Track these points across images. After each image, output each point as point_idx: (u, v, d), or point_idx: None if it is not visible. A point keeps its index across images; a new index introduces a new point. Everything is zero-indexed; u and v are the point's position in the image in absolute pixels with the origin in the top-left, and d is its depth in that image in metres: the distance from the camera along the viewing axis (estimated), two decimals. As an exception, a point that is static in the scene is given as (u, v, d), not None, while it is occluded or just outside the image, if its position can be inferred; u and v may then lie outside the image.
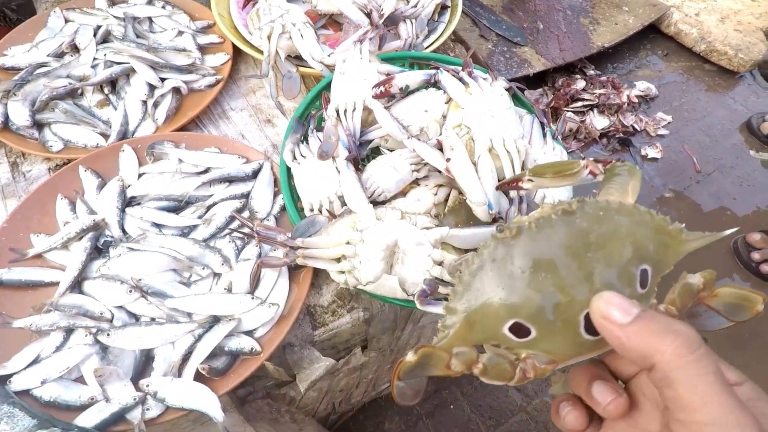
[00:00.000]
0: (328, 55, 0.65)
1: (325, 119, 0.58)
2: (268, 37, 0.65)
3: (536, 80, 1.65)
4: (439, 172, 0.54)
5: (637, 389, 0.27)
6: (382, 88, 0.58)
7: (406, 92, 0.61)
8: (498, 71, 1.56)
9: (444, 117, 0.59)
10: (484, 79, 0.62)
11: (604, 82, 1.69)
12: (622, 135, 1.55)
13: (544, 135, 0.61)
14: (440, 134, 0.58)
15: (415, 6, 0.73)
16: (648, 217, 0.27)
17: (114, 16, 0.72)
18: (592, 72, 1.73)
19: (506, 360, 0.27)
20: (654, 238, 0.27)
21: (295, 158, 0.54)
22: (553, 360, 0.27)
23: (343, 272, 0.46)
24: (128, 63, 0.65)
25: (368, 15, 0.69)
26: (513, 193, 0.53)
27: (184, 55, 0.68)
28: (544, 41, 1.67)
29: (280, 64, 0.65)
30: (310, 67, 0.65)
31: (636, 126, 1.59)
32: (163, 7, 0.75)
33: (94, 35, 0.69)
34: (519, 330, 0.26)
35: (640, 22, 1.80)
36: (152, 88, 0.65)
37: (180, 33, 0.72)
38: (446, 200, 0.55)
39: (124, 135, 0.61)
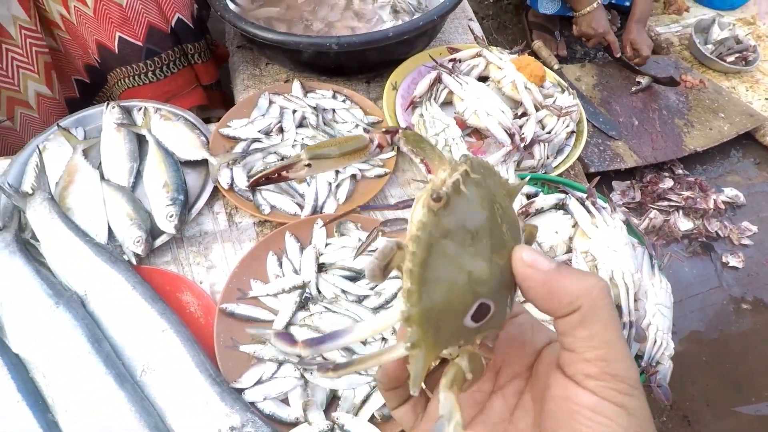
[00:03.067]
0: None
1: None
2: (433, 148, 0.82)
3: (625, 172, 1.74)
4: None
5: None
6: (523, 209, 0.73)
7: (540, 211, 0.76)
8: (591, 162, 1.68)
9: (570, 239, 0.73)
10: (603, 208, 0.75)
11: (692, 183, 1.76)
12: (704, 239, 1.62)
13: (652, 266, 0.73)
14: (564, 252, 0.72)
15: (550, 132, 0.88)
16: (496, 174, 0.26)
17: (308, 105, 0.92)
18: (680, 171, 1.80)
19: (474, 355, 0.24)
20: (503, 189, 0.26)
21: None
22: (498, 331, 0.25)
23: None
24: (320, 149, 0.84)
25: (511, 136, 0.85)
26: (625, 317, 0.65)
27: (361, 147, 0.86)
28: (638, 137, 1.78)
29: (440, 170, 0.81)
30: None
31: (720, 232, 1.64)
32: (344, 101, 0.95)
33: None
34: (481, 313, 0.23)
35: (735, 130, 1.86)
36: (336, 172, 0.83)
37: (356, 125, 0.91)
38: None
39: (314, 208, 0.79)
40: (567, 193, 0.77)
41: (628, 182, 1.76)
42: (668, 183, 1.73)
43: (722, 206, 1.71)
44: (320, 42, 0.87)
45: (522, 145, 0.83)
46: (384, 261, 0.23)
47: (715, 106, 1.91)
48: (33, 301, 0.65)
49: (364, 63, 0.98)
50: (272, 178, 0.34)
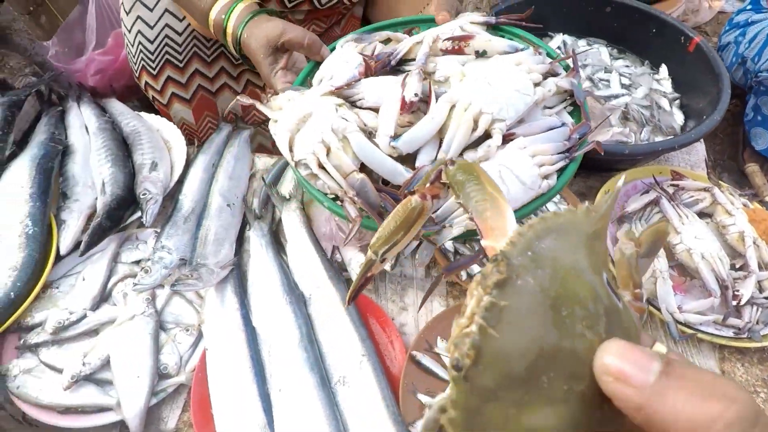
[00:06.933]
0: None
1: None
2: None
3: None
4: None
5: None
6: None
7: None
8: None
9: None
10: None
11: None
12: None
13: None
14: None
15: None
16: (561, 220, 0.23)
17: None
18: None
19: None
20: (582, 238, 0.23)
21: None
22: None
23: None
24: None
25: (723, 288, 0.83)
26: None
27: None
28: None
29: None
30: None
31: None
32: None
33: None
34: None
35: None
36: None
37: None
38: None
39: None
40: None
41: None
42: None
43: None
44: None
45: (734, 303, 0.81)
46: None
47: None
48: (273, 290, 0.81)
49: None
50: (362, 286, 0.38)
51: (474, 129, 0.55)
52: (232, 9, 0.78)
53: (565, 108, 0.64)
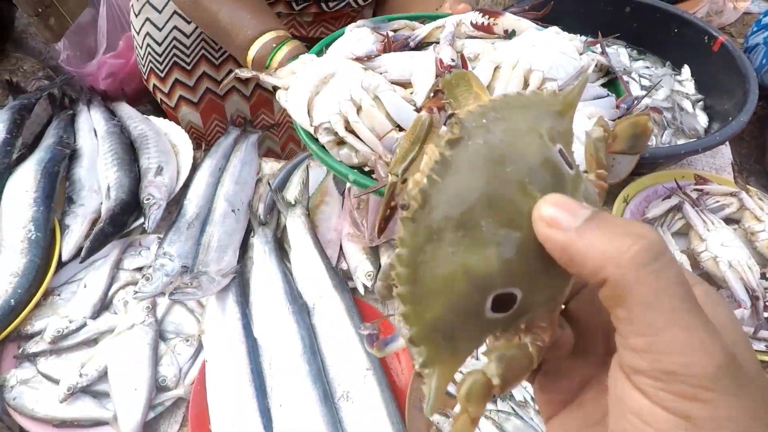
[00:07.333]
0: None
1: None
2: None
3: None
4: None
5: (578, 310, 0.25)
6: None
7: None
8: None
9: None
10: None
11: None
12: None
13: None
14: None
15: (802, 311, 0.78)
16: (524, 98, 0.23)
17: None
18: None
19: (511, 348, 0.21)
20: (543, 114, 0.23)
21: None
22: (552, 306, 0.22)
23: None
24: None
25: (753, 298, 0.77)
26: None
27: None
28: None
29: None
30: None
31: None
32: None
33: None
34: (504, 302, 0.20)
35: None
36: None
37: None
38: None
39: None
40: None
41: None
42: None
43: None
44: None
45: (765, 315, 0.75)
46: (387, 280, 0.22)
47: None
48: (275, 299, 0.79)
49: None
50: (389, 216, 0.33)
51: (524, 88, 0.53)
52: (278, 48, 0.76)
53: (600, 85, 0.62)
